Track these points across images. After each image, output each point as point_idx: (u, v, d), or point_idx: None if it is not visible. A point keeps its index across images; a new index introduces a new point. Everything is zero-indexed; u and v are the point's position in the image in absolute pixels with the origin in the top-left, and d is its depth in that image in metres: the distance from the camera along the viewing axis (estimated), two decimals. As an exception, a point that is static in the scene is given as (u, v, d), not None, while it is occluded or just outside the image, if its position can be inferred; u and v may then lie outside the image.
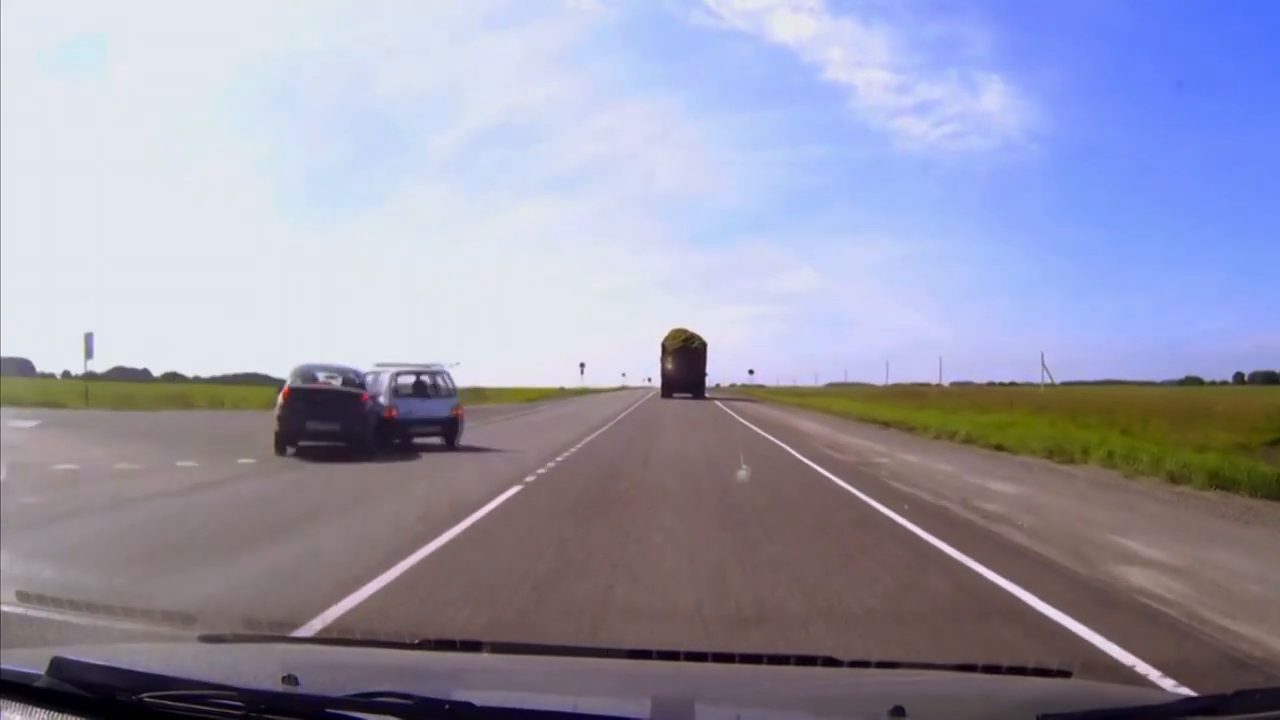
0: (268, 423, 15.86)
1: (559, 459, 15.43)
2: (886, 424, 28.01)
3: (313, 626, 4.73)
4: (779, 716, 2.10)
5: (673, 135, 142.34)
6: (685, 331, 62.49)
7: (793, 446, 19.37)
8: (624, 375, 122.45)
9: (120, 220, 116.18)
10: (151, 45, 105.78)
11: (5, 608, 4.34)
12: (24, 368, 56.84)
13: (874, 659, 3.66)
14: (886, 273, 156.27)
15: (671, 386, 60.73)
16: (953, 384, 67.43)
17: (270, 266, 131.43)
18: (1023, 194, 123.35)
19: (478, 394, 58.54)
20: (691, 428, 26.79)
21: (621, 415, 34.42)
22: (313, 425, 15.40)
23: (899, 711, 1.65)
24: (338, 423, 15.45)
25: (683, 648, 3.10)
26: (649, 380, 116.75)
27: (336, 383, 16.44)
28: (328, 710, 1.69)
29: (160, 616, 4.35)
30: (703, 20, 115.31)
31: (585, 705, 1.98)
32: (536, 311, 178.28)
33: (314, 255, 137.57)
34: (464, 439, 18.27)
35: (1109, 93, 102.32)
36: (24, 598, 4.51)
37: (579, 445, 18.79)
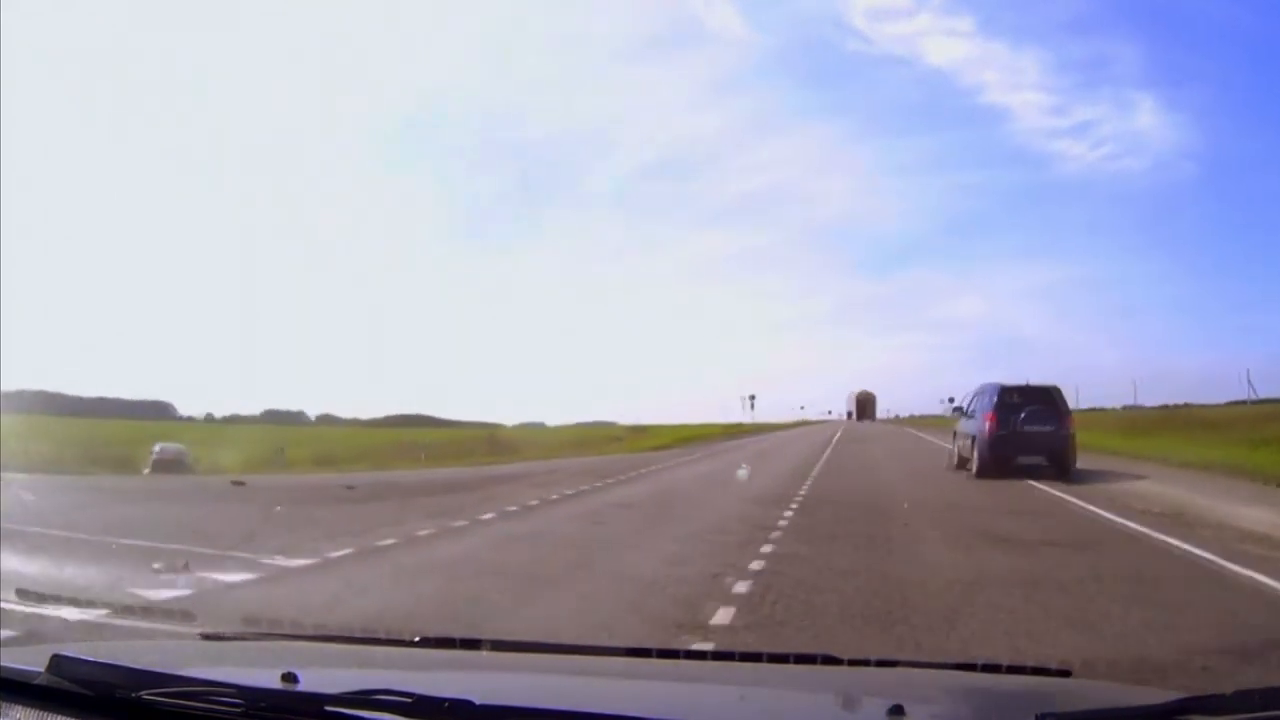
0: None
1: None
2: None
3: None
4: (779, 715, 2.10)
5: (833, 164, 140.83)
6: (864, 391, 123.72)
7: None
8: (802, 409, 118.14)
9: (271, 260, 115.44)
10: (302, 85, 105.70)
11: (5, 605, 4.33)
12: (163, 411, 54.67)
13: (873, 657, 3.64)
14: (1052, 296, 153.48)
15: (857, 418, 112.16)
16: (1125, 407, 62.31)
17: (427, 304, 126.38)
18: (1177, 212, 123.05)
19: (639, 432, 52.33)
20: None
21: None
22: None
23: (898, 710, 1.64)
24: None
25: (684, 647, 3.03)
26: (829, 413, 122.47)
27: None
28: (327, 708, 1.69)
29: (160, 614, 4.34)
30: (858, 46, 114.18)
31: (585, 703, 1.97)
32: (701, 345, 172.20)
33: (472, 291, 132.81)
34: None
35: (1256, 105, 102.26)
36: (24, 595, 4.49)
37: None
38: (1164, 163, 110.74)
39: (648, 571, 7.32)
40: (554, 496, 14.70)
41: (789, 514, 11.10)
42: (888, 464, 23.06)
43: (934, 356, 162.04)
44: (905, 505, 12.27)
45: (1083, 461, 18.05)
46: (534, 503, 13.67)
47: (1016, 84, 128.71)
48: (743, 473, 17.02)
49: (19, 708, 1.76)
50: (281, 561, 7.97)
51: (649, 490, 16.50)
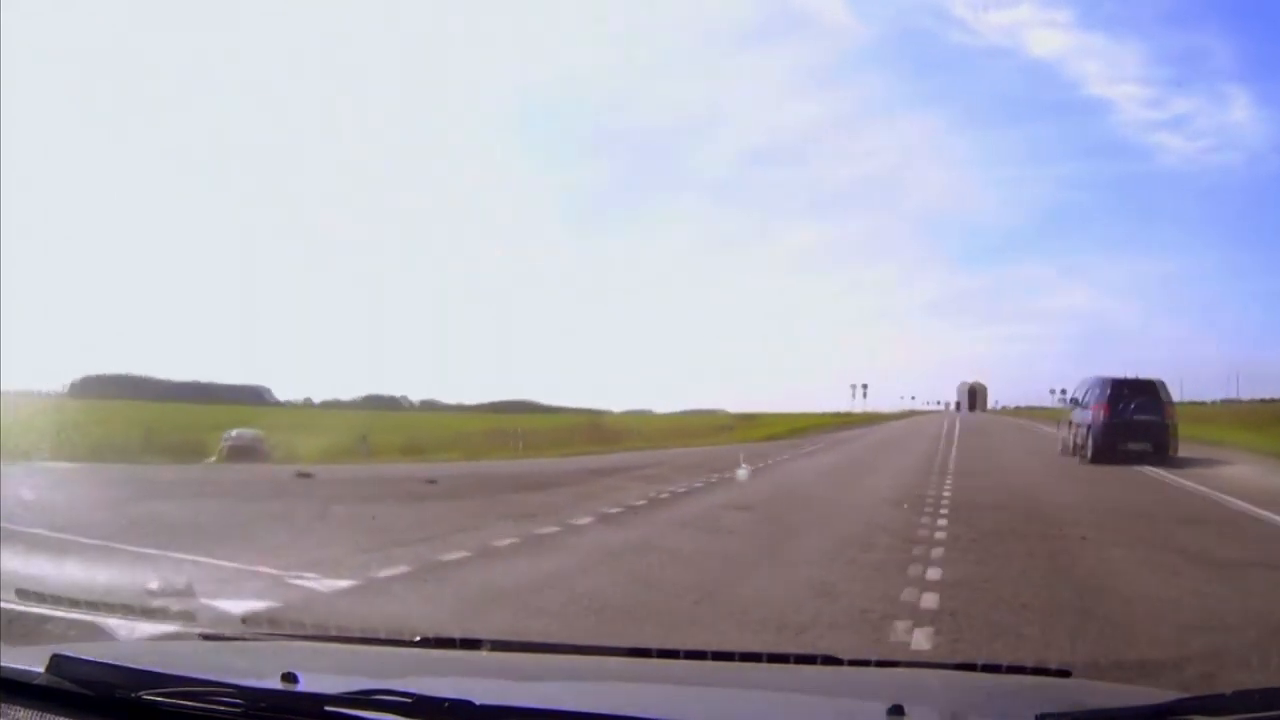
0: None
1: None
2: None
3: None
4: (778, 715, 2.10)
5: (935, 154, 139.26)
6: (975, 382, 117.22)
7: None
8: (910, 399, 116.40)
9: (376, 245, 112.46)
10: (409, 72, 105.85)
11: (5, 605, 4.33)
12: (259, 396, 53.53)
13: (873, 658, 3.58)
14: (1150, 288, 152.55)
15: (967, 409, 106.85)
16: (1223, 400, 58.83)
17: (534, 289, 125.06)
18: (1273, 205, 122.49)
19: (748, 420, 49.54)
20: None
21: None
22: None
23: (898, 710, 1.63)
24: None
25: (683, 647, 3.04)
26: (935, 403, 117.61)
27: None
28: (327, 708, 1.69)
29: (160, 614, 4.35)
30: (961, 38, 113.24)
31: (584, 703, 1.97)
32: (805, 333, 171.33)
33: (579, 278, 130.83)
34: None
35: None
36: (24, 595, 4.52)
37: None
38: (1260, 156, 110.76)
39: (785, 608, 5.78)
40: (661, 495, 12.88)
41: (938, 521, 9.80)
42: (1018, 458, 22.53)
43: (1035, 348, 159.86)
44: (1069, 512, 10.96)
45: (1224, 457, 18.77)
46: (639, 503, 11.96)
47: (1114, 76, 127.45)
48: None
49: (19, 708, 1.77)
50: (312, 582, 6.59)
51: (769, 488, 14.73)
